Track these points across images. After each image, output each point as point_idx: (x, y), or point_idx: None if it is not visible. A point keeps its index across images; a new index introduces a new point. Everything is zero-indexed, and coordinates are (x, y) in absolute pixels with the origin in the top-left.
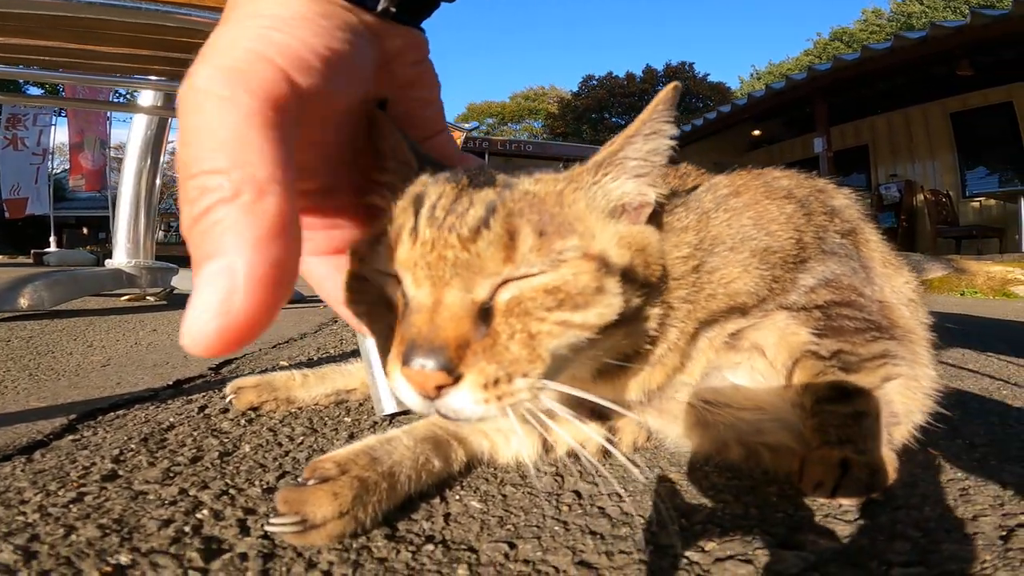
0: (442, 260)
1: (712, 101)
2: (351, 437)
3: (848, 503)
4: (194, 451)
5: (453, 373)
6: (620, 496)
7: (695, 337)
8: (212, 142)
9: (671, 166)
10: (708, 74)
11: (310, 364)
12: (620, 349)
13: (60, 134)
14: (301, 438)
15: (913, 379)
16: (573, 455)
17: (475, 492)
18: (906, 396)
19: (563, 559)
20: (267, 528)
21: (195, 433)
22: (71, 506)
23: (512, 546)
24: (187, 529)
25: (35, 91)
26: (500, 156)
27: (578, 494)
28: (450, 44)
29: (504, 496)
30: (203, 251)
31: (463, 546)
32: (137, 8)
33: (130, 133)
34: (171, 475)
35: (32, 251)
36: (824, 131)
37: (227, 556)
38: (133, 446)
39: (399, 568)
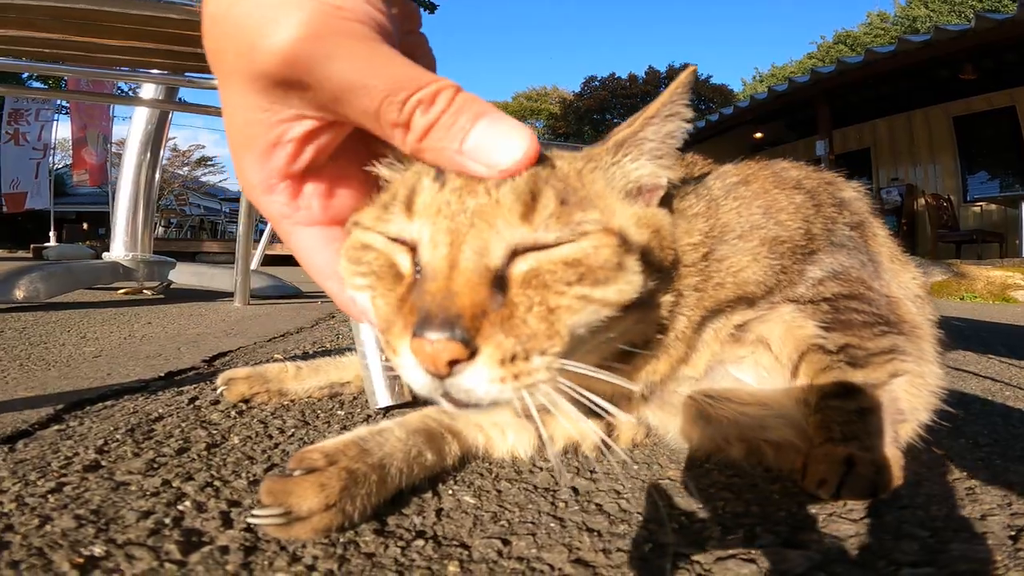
0: (463, 209)
1: (714, 103)
2: (344, 430)
3: (853, 502)
4: (181, 442)
5: (469, 346)
6: (618, 493)
7: (701, 327)
8: (394, 72)
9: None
10: (710, 76)
11: (305, 358)
12: (630, 336)
13: (63, 130)
14: (292, 430)
15: (919, 376)
16: (570, 450)
17: (469, 487)
18: (912, 393)
19: (558, 556)
20: (249, 520)
21: (183, 424)
22: (49, 496)
23: (506, 543)
24: (167, 521)
25: (37, 85)
26: None
27: (575, 490)
28: (452, 44)
29: (499, 491)
30: (464, 120)
31: (455, 542)
32: None
33: (131, 127)
34: (155, 466)
35: (32, 246)
36: (826, 134)
37: (207, 549)
38: (119, 437)
39: (387, 564)
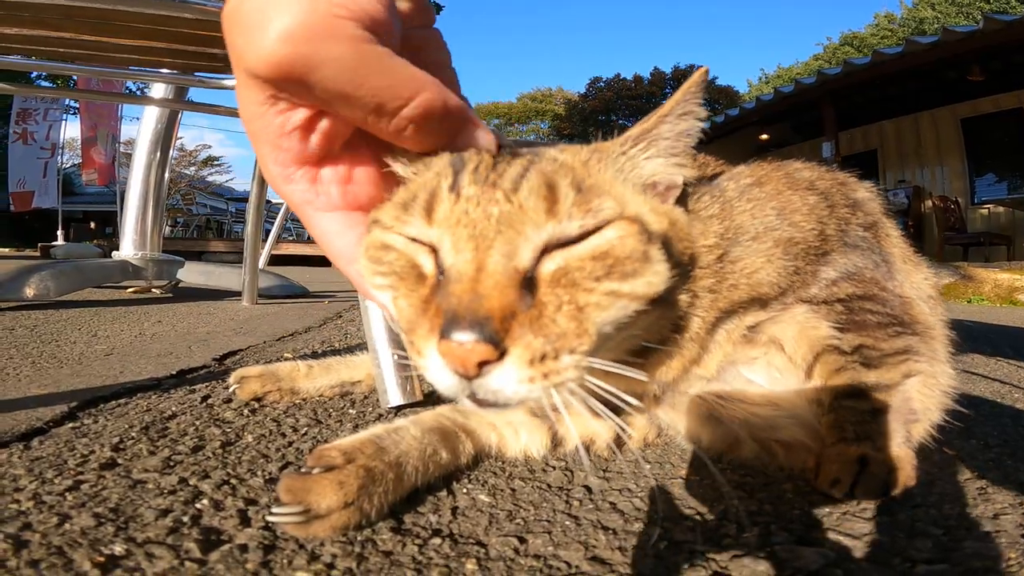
0: (486, 217)
1: (720, 104)
2: (356, 428)
3: (866, 501)
4: (196, 440)
5: (499, 347)
6: (632, 491)
7: (714, 328)
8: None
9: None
10: (716, 77)
11: (315, 357)
12: (650, 334)
13: (71, 129)
14: (305, 429)
15: (932, 376)
16: (582, 449)
17: (483, 485)
18: (925, 394)
19: (575, 554)
20: (268, 518)
21: (197, 422)
22: (67, 494)
23: (522, 541)
24: (185, 519)
25: (47, 84)
26: None
27: (588, 489)
28: (456, 45)
29: (513, 490)
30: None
31: (471, 540)
32: None
33: (140, 126)
34: (171, 464)
35: (40, 244)
36: (832, 136)
37: (226, 547)
38: (134, 434)
39: (405, 562)
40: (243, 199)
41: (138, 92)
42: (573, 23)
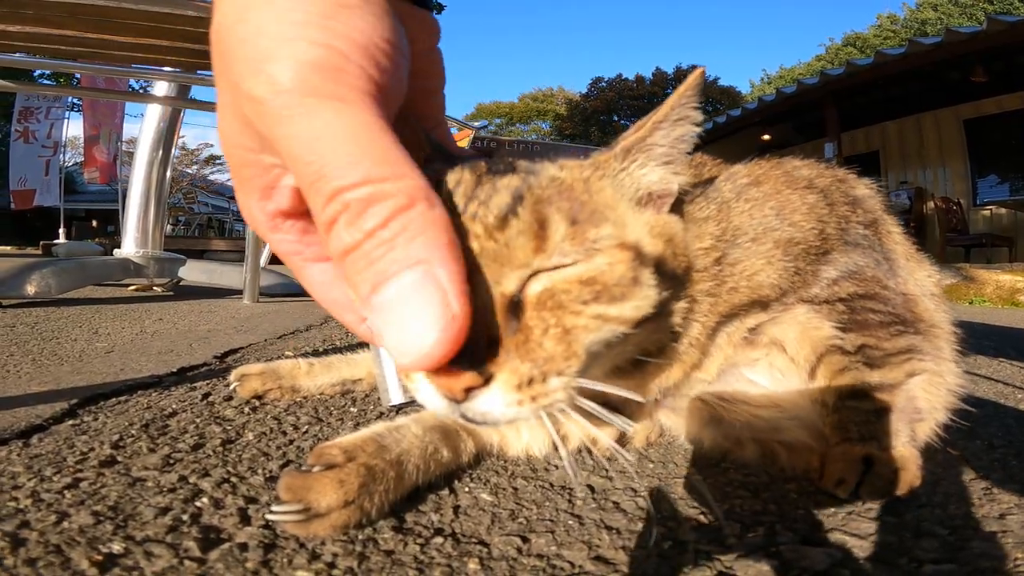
0: (466, 251)
1: (722, 105)
2: (357, 427)
3: (871, 501)
4: (196, 438)
5: (484, 373)
6: (635, 491)
7: (715, 332)
8: (347, 151)
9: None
10: (718, 78)
11: (316, 355)
12: (644, 346)
13: (73, 128)
14: (306, 427)
15: (937, 375)
16: (585, 449)
17: (485, 484)
18: (930, 392)
19: (579, 554)
20: (268, 516)
21: (198, 420)
22: (65, 492)
23: (525, 540)
24: (185, 517)
25: (49, 82)
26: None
27: (591, 488)
28: (458, 45)
29: (515, 489)
30: (388, 262)
31: (474, 539)
32: None
33: (143, 124)
34: (171, 462)
35: (41, 242)
36: (835, 136)
37: (226, 546)
38: (134, 432)
39: (407, 561)
40: None
41: (140, 90)
42: (574, 23)
